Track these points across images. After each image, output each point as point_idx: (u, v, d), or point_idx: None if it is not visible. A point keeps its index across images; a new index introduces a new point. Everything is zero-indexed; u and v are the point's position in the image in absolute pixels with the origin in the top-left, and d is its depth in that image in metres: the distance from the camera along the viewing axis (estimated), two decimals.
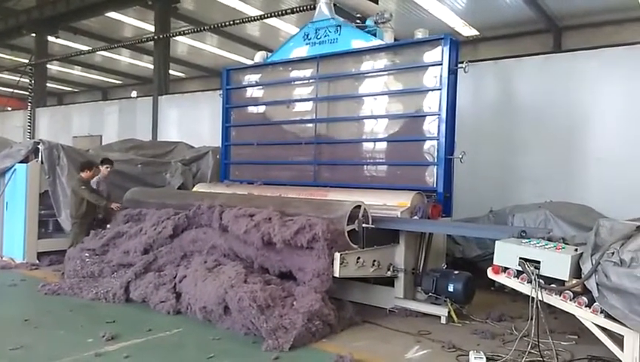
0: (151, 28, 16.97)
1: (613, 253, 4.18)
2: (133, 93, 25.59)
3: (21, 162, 9.03)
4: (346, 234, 5.78)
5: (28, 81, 19.82)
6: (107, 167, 8.65)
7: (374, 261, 5.96)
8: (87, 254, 7.35)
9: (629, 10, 14.26)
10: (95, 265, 7.13)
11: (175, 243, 6.94)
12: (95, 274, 7.04)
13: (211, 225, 6.68)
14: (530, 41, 16.90)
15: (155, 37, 15.34)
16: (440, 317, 5.99)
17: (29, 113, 19.53)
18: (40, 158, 8.98)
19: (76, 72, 26.95)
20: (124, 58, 23.82)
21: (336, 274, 5.50)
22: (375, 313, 6.25)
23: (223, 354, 4.84)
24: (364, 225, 5.96)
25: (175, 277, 6.38)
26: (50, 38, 19.51)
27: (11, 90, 23.63)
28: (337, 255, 5.49)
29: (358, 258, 5.75)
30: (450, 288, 5.90)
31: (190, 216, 6.97)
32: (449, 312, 5.95)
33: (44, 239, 9.11)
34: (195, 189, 9.23)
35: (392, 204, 6.65)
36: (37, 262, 8.77)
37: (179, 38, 18.52)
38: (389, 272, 6.19)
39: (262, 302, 5.20)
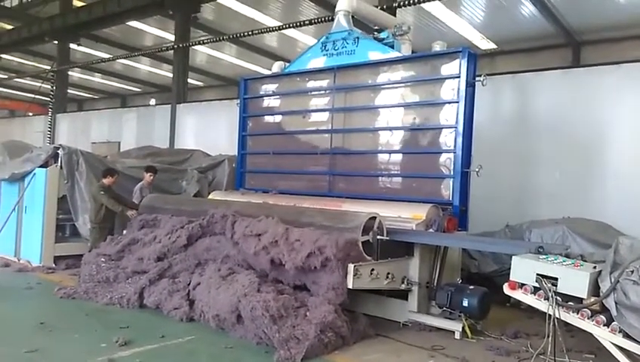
0: (171, 37, 17.22)
1: (632, 272, 4.12)
2: (152, 101, 25.91)
3: (41, 166, 9.17)
4: (360, 245, 5.76)
5: (49, 87, 20.24)
6: (150, 175, 9.08)
7: (388, 273, 5.92)
8: (102, 259, 7.41)
9: None
10: (110, 271, 7.18)
11: (189, 251, 6.97)
12: (110, 280, 7.09)
13: (225, 234, 6.71)
14: (548, 55, 16.81)
15: (175, 46, 15.54)
16: (454, 332, 5.92)
17: (49, 118, 19.89)
18: (59, 163, 9.11)
19: (96, 79, 27.39)
20: (143, 66, 24.17)
21: (350, 286, 5.48)
22: (388, 326, 6.20)
23: None
24: (378, 236, 5.93)
25: (189, 284, 6.40)
26: (72, 46, 19.91)
27: (33, 95, 24.07)
28: (351, 266, 5.47)
29: (372, 270, 5.72)
30: (465, 303, 5.83)
31: (204, 224, 6.98)
32: (463, 327, 5.88)
33: (61, 243, 9.23)
34: (210, 197, 9.29)
35: (407, 216, 6.62)
36: (53, 265, 8.87)
37: (198, 48, 18.75)
38: (403, 285, 6.14)
39: (274, 311, 5.19)
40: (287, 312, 5.29)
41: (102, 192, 8.31)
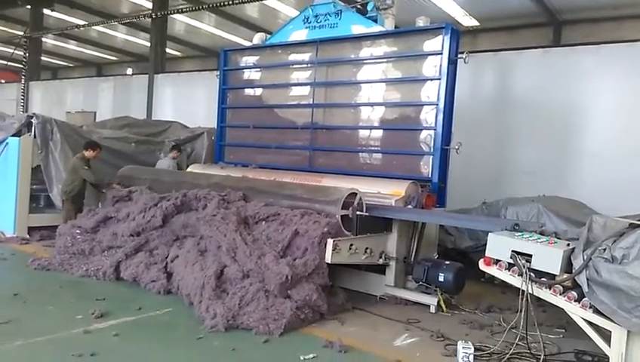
0: (148, 5, 16.75)
1: (605, 250, 4.21)
2: (129, 71, 25.33)
3: (14, 136, 8.93)
4: (340, 219, 5.79)
5: (22, 53, 19.60)
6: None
7: (367, 248, 5.97)
8: (78, 231, 7.30)
9: (629, 7, 14.20)
10: (86, 243, 7.08)
11: (166, 228, 6.84)
12: (86, 252, 7.00)
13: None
14: (529, 34, 16.82)
15: (153, 14, 15.16)
16: (429, 306, 6.03)
17: (22, 86, 19.34)
18: (33, 133, 8.89)
19: (71, 46, 26.56)
20: (120, 34, 23.48)
21: (328, 260, 5.51)
22: (365, 300, 6.28)
23: (212, 336, 4.85)
24: (357, 212, 5.96)
25: (167, 257, 6.36)
26: (46, 11, 19.24)
27: (5, 62, 23.33)
28: (330, 241, 5.49)
29: (351, 245, 5.76)
30: (441, 278, 5.92)
31: (178, 204, 6.81)
32: (438, 302, 5.99)
33: (35, 214, 9.06)
34: (189, 170, 9.19)
35: (387, 192, 6.66)
36: (27, 236, 8.73)
37: (176, 16, 18.25)
38: (380, 260, 6.21)
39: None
40: (257, 295, 5.29)
41: (85, 167, 8.12)
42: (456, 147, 6.98)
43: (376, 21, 7.88)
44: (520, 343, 4.68)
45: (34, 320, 5.00)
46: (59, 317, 5.16)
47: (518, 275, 4.58)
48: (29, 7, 19.02)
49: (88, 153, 8.31)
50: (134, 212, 7.06)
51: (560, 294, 4.42)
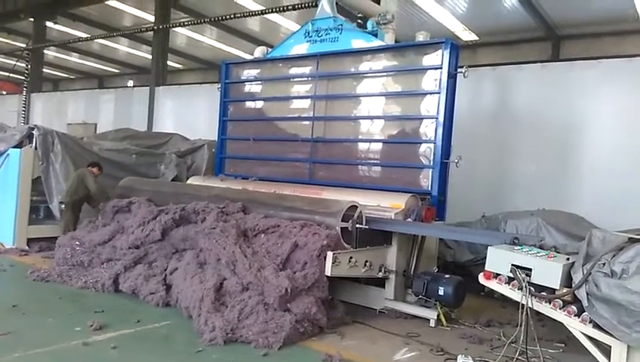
0: (151, 18, 16.87)
1: (604, 264, 4.22)
2: (130, 83, 25.45)
3: (15, 147, 8.95)
4: (339, 232, 5.80)
5: (24, 65, 19.69)
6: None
7: (366, 261, 5.96)
8: (77, 243, 7.29)
9: (628, 23, 14.32)
10: (85, 255, 7.05)
11: (165, 241, 6.82)
12: (85, 264, 6.98)
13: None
14: (528, 48, 16.96)
15: (155, 27, 15.26)
16: (429, 320, 6.01)
17: (24, 98, 19.40)
18: (34, 144, 8.91)
19: (73, 58, 26.74)
20: (122, 47, 23.66)
21: (328, 273, 5.51)
22: (365, 313, 6.26)
23: (211, 349, 4.83)
24: (357, 225, 5.96)
25: (166, 269, 6.35)
26: (49, 24, 19.39)
27: (7, 74, 23.44)
28: (330, 254, 5.49)
29: (351, 258, 5.75)
30: (441, 291, 5.91)
31: (176, 218, 6.78)
32: (438, 315, 5.98)
33: (35, 225, 9.04)
34: (188, 182, 9.20)
35: (386, 205, 6.66)
36: (27, 248, 8.70)
37: (178, 30, 18.43)
38: (380, 273, 6.20)
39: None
40: (256, 308, 5.27)
41: (95, 177, 8.35)
42: (456, 160, 7.01)
43: (376, 36, 7.95)
44: (520, 358, 4.67)
45: (33, 332, 4.98)
46: (58, 328, 5.14)
47: (518, 289, 4.59)
48: (31, 19, 19.16)
49: (95, 170, 8.63)
50: (133, 226, 7.02)
51: (560, 308, 4.42)
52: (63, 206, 8.41)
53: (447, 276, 6.10)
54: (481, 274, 4.89)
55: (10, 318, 5.34)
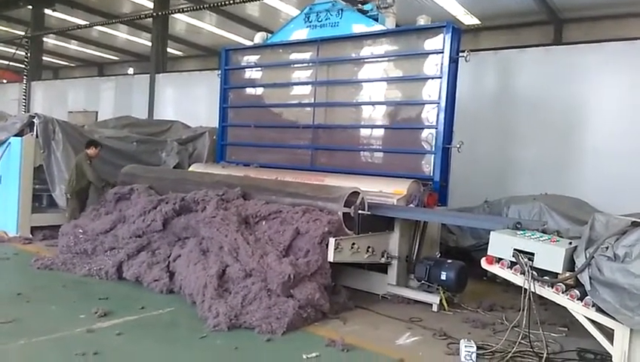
0: (150, 4, 16.74)
1: (607, 248, 4.20)
2: (130, 70, 25.32)
3: (16, 135, 8.94)
4: (342, 217, 5.80)
5: (24, 53, 19.59)
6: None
7: (369, 247, 5.98)
8: (80, 231, 7.31)
9: (630, 5, 14.17)
10: (88, 243, 7.08)
11: (167, 230, 6.81)
12: (88, 252, 7.01)
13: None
14: (530, 32, 16.79)
15: (154, 14, 15.15)
16: (432, 304, 6.03)
17: (24, 86, 19.34)
18: (35, 132, 8.91)
19: (72, 46, 26.56)
20: (121, 34, 23.49)
21: (331, 259, 5.52)
22: (368, 298, 6.28)
23: (215, 335, 4.85)
24: (360, 211, 5.96)
25: (169, 256, 6.37)
26: (47, 11, 19.23)
27: (7, 62, 23.34)
28: (332, 240, 5.50)
29: (353, 244, 5.76)
30: (443, 276, 5.92)
31: (177, 208, 6.73)
32: (441, 300, 5.99)
33: (38, 213, 9.08)
34: (190, 169, 9.19)
35: (389, 191, 6.66)
36: (30, 236, 8.74)
37: (177, 16, 18.25)
38: (382, 259, 6.21)
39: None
40: (259, 295, 5.28)
41: (88, 162, 8.29)
42: (458, 146, 6.98)
43: (377, 20, 7.88)
44: (522, 342, 4.67)
45: (37, 320, 5.01)
46: (62, 316, 5.17)
47: (521, 274, 4.58)
48: (30, 7, 19.03)
49: (91, 151, 8.45)
50: (134, 215, 7.02)
51: (562, 292, 4.42)
52: (69, 196, 8.42)
53: (449, 261, 6.11)
54: (484, 258, 4.88)
55: (14, 306, 5.36)
